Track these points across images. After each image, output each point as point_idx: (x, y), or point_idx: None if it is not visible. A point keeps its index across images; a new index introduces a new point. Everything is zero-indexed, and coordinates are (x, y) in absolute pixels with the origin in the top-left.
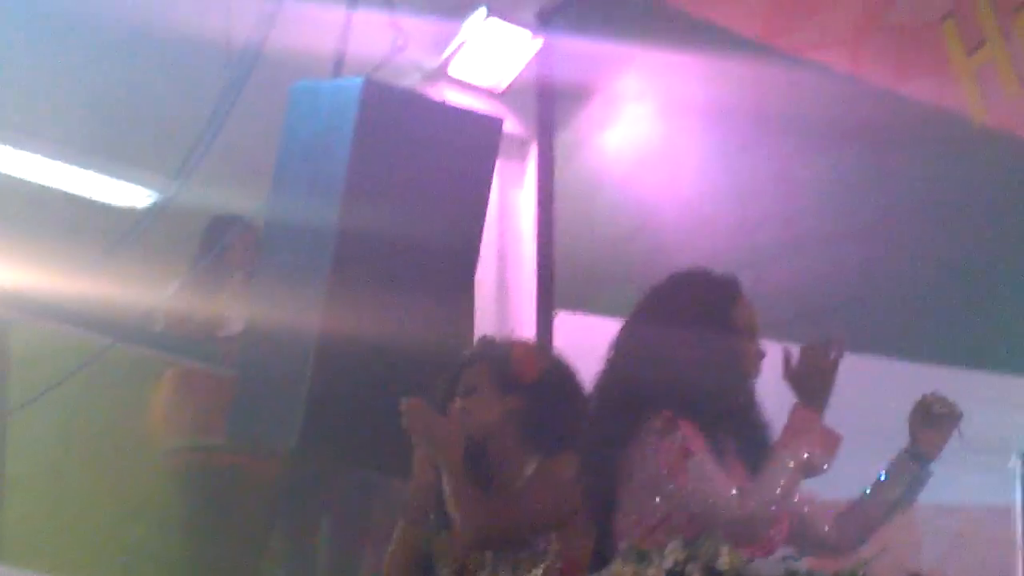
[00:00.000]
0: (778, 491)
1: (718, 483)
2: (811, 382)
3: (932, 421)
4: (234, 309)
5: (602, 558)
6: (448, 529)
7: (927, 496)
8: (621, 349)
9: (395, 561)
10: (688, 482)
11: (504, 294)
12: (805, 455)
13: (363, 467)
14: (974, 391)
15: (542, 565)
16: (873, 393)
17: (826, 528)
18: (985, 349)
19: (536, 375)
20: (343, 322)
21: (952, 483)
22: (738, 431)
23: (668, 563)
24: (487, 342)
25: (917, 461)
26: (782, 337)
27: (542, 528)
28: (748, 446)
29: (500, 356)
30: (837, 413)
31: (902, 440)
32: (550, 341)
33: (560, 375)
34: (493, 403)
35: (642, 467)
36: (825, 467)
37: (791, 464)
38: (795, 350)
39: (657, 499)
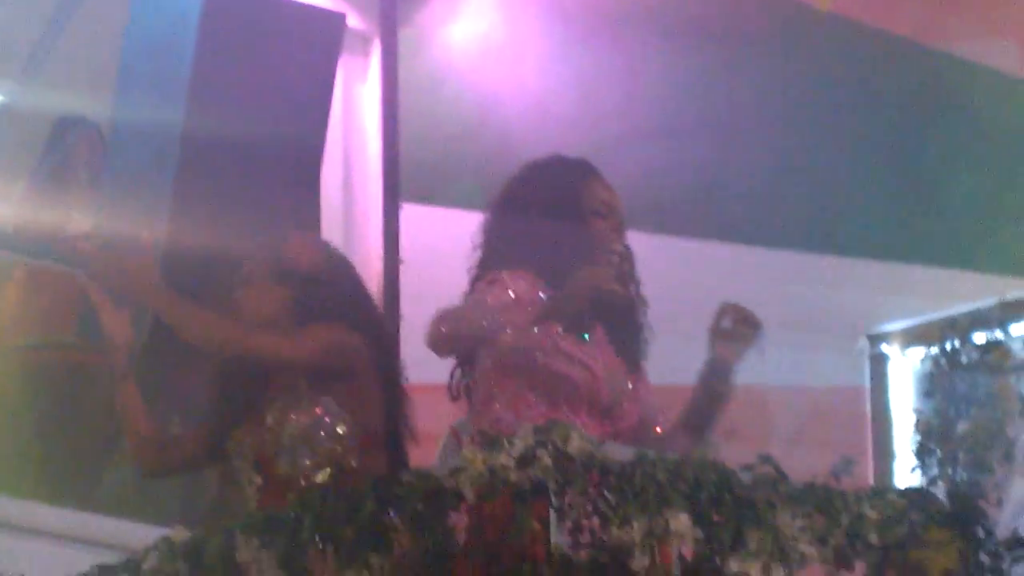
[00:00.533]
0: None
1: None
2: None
3: (728, 333)
4: (81, 208)
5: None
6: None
7: (778, 378)
8: (486, 240)
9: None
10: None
11: (350, 190)
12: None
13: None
14: (822, 274)
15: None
16: (723, 280)
17: (657, 430)
18: (832, 233)
19: (308, 264)
20: (189, 223)
21: (802, 365)
22: (606, 318)
23: (518, 448)
24: (268, 236)
25: (715, 374)
26: (636, 227)
27: (302, 365)
28: (617, 335)
29: (274, 247)
30: (687, 301)
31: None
32: (396, 234)
33: (333, 263)
34: (266, 293)
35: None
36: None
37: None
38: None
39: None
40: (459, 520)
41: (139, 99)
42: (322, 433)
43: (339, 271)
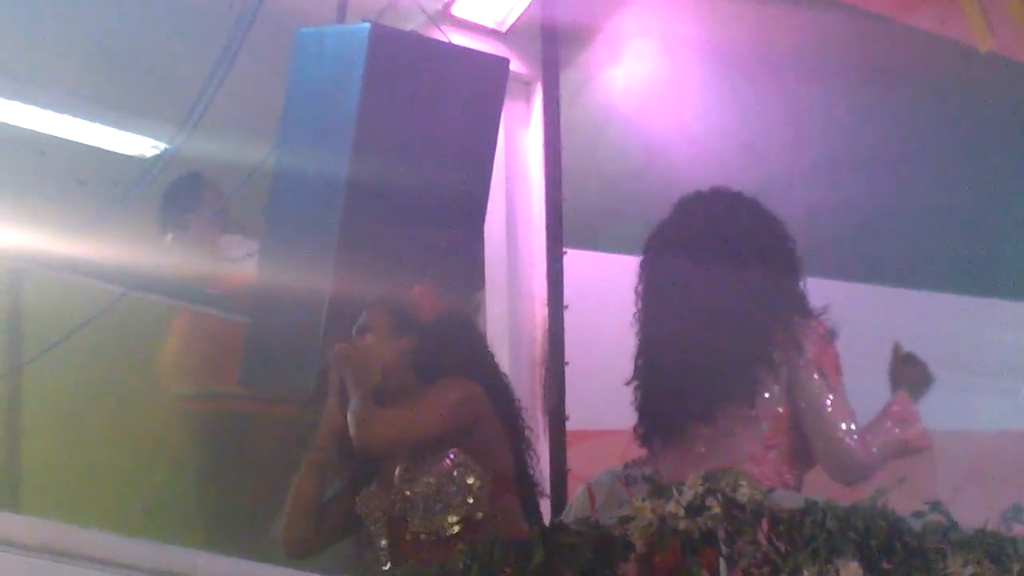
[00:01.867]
0: (893, 448)
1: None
2: (914, 380)
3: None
4: (226, 261)
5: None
6: (372, 483)
7: (943, 423)
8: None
9: (300, 488)
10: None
11: (514, 235)
12: (907, 436)
13: None
14: (987, 317)
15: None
16: (892, 323)
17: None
18: (996, 275)
19: (431, 316)
20: (354, 270)
21: (967, 409)
22: None
23: (688, 496)
24: (389, 286)
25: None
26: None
27: (438, 436)
28: None
29: (396, 297)
30: (854, 342)
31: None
32: (560, 280)
33: (453, 316)
34: (386, 343)
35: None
36: (914, 454)
37: (897, 432)
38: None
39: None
40: (628, 570)
41: (302, 146)
42: (453, 487)
43: (458, 322)
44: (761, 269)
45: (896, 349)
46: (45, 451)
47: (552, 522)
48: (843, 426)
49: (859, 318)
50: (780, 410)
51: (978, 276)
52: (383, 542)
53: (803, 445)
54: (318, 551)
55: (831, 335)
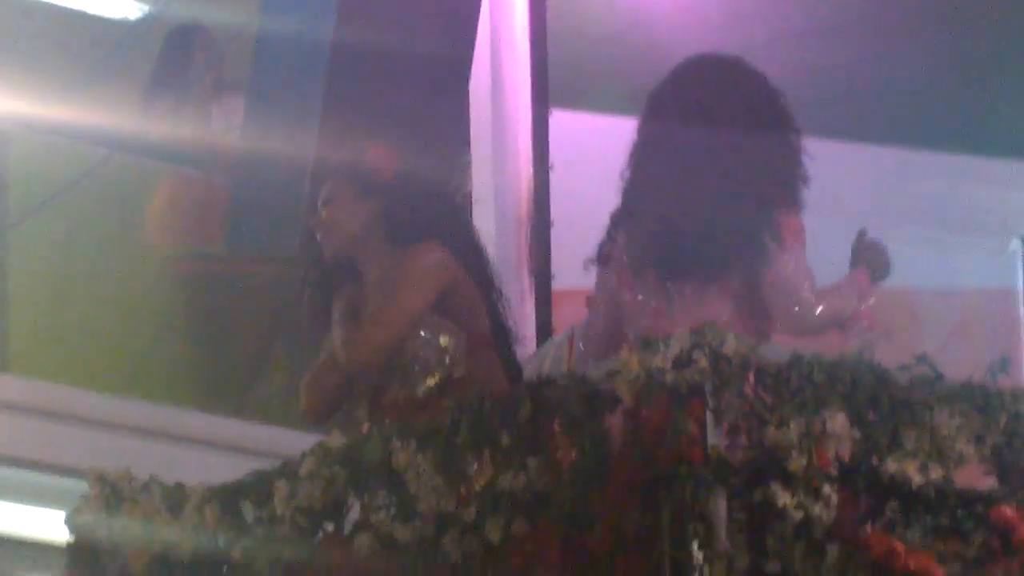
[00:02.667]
0: (838, 311)
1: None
2: (874, 262)
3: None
4: (216, 117)
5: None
6: None
7: (928, 281)
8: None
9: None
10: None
11: (498, 97)
12: (862, 306)
13: None
14: (974, 175)
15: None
16: (879, 181)
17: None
18: (984, 134)
19: (392, 176)
20: (339, 132)
21: (953, 268)
22: None
23: (674, 350)
24: (346, 151)
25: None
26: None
27: (416, 317)
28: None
29: (354, 163)
30: (838, 201)
31: (910, 225)
32: (545, 140)
33: (415, 173)
34: (352, 210)
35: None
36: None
37: (852, 304)
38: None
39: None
40: (615, 423)
41: (287, 9)
42: (429, 350)
43: (421, 179)
44: (758, 143)
45: (861, 234)
46: (32, 313)
47: (539, 376)
48: (796, 286)
49: (848, 177)
50: (742, 288)
51: (966, 134)
52: (360, 411)
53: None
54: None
55: (796, 204)
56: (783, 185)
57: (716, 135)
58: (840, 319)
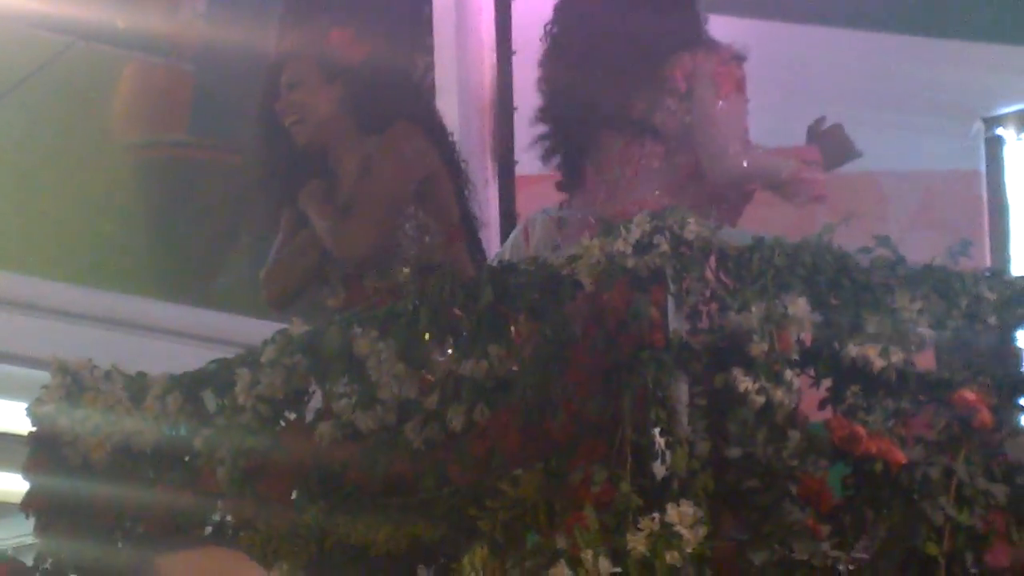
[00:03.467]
0: (769, 169)
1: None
2: (831, 148)
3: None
4: (182, 4)
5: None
6: None
7: (892, 163)
8: None
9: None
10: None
11: None
12: (799, 176)
13: None
14: (937, 57)
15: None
16: (842, 64)
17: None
18: (947, 14)
19: (357, 59)
20: (300, 17)
21: (917, 149)
22: None
23: (635, 234)
24: (305, 32)
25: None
26: (744, 12)
27: (403, 204)
28: None
29: (316, 45)
30: (808, 84)
31: (872, 107)
32: (508, 25)
33: (380, 56)
34: (320, 94)
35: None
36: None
37: (791, 165)
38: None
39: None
40: (576, 308)
41: None
42: (408, 243)
43: (386, 62)
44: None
45: (818, 120)
46: None
47: (500, 262)
48: (726, 131)
49: (812, 60)
50: (684, 153)
51: (929, 15)
52: (341, 293)
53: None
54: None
55: (736, 59)
56: (681, 30)
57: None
58: (772, 178)
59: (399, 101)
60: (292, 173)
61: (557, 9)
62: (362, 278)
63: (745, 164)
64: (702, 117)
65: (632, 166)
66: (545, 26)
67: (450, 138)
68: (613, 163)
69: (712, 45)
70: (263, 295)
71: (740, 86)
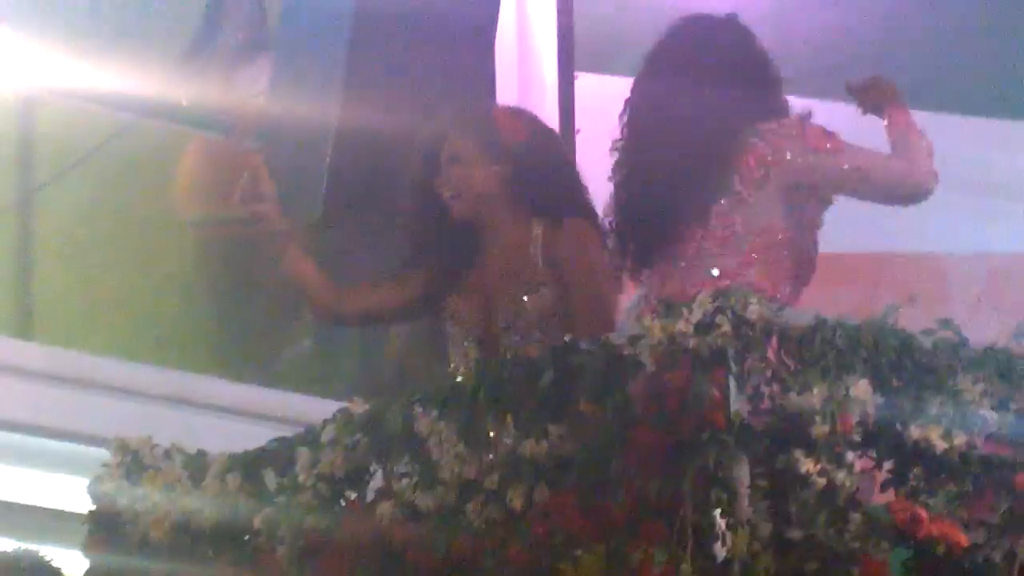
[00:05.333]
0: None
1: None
2: (883, 91)
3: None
4: (250, 80)
5: None
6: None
7: (957, 244)
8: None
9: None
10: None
11: (525, 58)
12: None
13: (390, 231)
14: (1003, 139)
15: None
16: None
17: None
18: (1015, 96)
19: (523, 137)
20: (362, 92)
21: (981, 231)
22: None
23: (697, 314)
24: (462, 109)
25: None
26: (806, 92)
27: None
28: None
29: (482, 122)
30: None
31: (937, 188)
32: (572, 104)
33: (546, 136)
34: (478, 171)
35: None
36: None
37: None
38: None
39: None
40: (638, 389)
41: None
42: (554, 318)
43: (550, 145)
44: (738, 89)
45: (848, 84)
46: (57, 280)
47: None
48: (889, 161)
49: (871, 141)
50: (763, 224)
51: (994, 97)
52: (474, 351)
53: (798, 260)
54: (356, 323)
55: (805, 118)
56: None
57: (706, 93)
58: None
59: (565, 187)
60: (454, 245)
61: (629, 100)
62: (501, 343)
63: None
64: (855, 175)
65: (695, 246)
66: (620, 115)
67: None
68: (678, 246)
69: (780, 119)
70: (342, 306)
71: (833, 132)
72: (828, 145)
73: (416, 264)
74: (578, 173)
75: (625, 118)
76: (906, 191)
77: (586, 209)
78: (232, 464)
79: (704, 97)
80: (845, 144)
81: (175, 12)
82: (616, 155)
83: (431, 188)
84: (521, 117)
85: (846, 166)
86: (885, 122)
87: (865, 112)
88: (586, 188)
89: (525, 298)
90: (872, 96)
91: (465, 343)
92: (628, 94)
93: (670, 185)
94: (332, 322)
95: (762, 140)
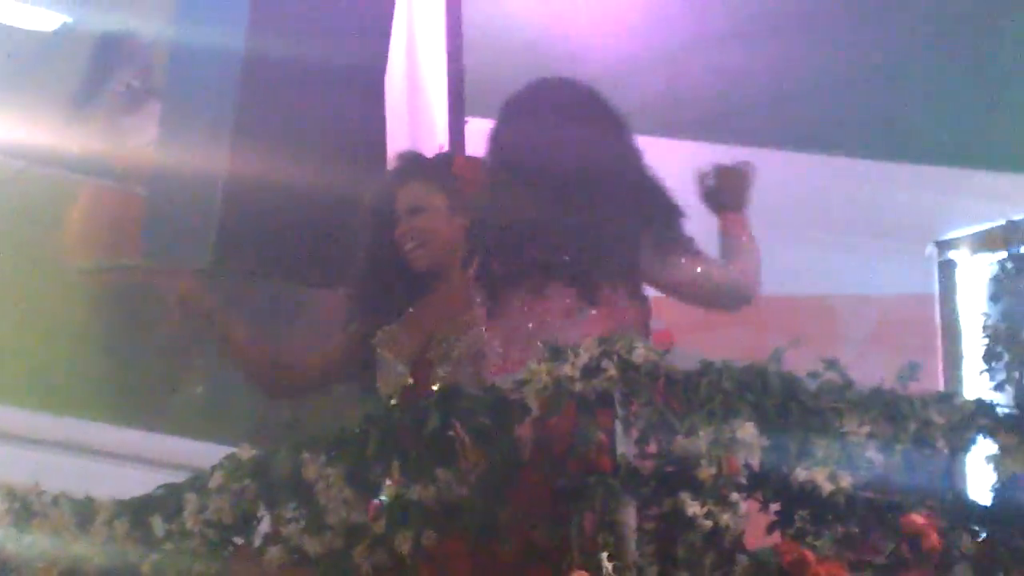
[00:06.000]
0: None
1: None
2: (731, 191)
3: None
4: (139, 128)
5: None
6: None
7: (846, 287)
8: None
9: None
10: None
11: (415, 105)
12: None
13: (281, 279)
14: (890, 180)
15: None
16: (795, 187)
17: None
18: (899, 139)
19: (480, 190)
20: (252, 136)
21: (870, 272)
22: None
23: (583, 359)
24: (413, 158)
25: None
26: (698, 136)
27: None
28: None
29: (442, 171)
30: (762, 209)
31: (825, 230)
32: (463, 149)
33: (500, 189)
34: (444, 223)
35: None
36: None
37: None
38: (707, 170)
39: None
40: (524, 432)
41: (199, 20)
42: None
43: (505, 196)
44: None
45: (703, 174)
46: None
47: (447, 386)
48: (707, 281)
49: (765, 182)
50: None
51: (881, 139)
52: (409, 379)
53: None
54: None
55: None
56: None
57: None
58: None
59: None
60: (404, 292)
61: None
62: (435, 373)
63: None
64: (691, 283)
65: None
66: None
67: None
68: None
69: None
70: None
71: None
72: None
73: (363, 314)
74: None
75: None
76: (732, 299)
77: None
78: (120, 510)
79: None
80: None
81: (64, 60)
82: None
83: (385, 239)
84: (479, 167)
85: (699, 270)
86: (719, 226)
87: (709, 209)
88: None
89: (460, 337)
90: (723, 189)
91: (400, 368)
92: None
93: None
94: (286, 396)
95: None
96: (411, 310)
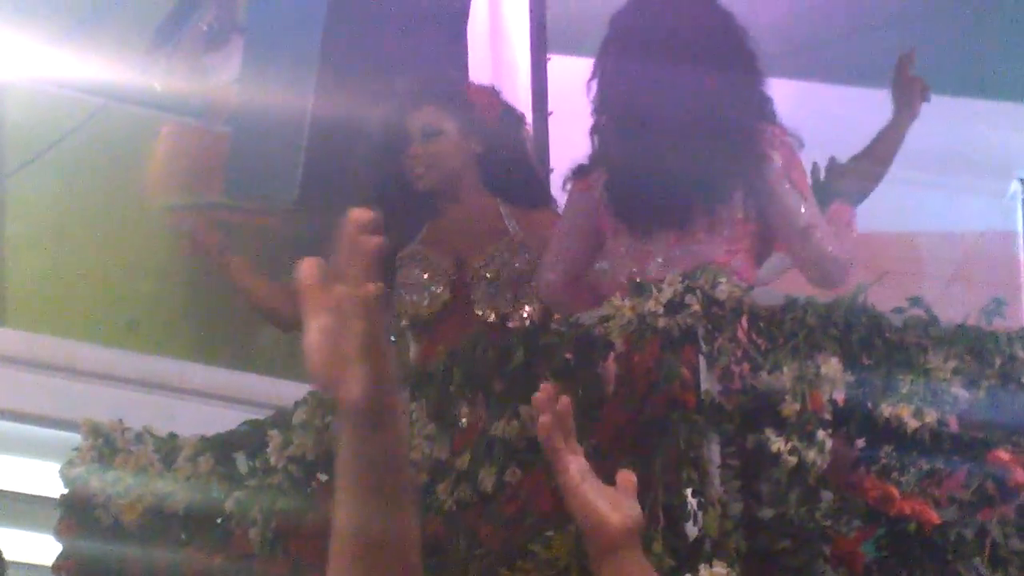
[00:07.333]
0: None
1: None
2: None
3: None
4: (223, 64)
5: None
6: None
7: (930, 223)
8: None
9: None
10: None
11: (497, 41)
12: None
13: None
14: (975, 118)
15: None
16: (879, 124)
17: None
18: (983, 76)
19: (492, 119)
20: (337, 74)
21: (953, 210)
22: None
23: (667, 295)
24: (428, 81)
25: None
26: (776, 72)
27: None
28: None
29: (459, 97)
30: (844, 145)
31: (909, 168)
32: (545, 85)
33: (517, 119)
34: (453, 148)
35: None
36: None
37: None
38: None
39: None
40: (608, 369)
41: None
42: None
43: (518, 127)
44: (720, 72)
45: (831, 161)
46: (30, 264)
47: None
48: (819, 234)
49: (848, 120)
50: (740, 216)
51: (965, 75)
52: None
53: (763, 251)
54: None
55: (796, 143)
56: (754, 117)
57: (679, 71)
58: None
59: (526, 173)
60: (414, 214)
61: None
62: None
63: (847, 254)
64: (791, 223)
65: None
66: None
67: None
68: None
69: (768, 121)
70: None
71: (806, 173)
72: (803, 188)
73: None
74: (534, 161)
75: (603, 98)
76: (822, 270)
77: (546, 198)
78: (204, 447)
79: (697, 79)
80: (807, 188)
81: None
82: (600, 137)
83: (394, 159)
84: (495, 96)
85: (804, 212)
86: (828, 214)
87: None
88: (543, 176)
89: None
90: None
91: (433, 288)
92: (596, 72)
93: (678, 173)
94: (289, 329)
95: (780, 144)
96: (424, 231)
